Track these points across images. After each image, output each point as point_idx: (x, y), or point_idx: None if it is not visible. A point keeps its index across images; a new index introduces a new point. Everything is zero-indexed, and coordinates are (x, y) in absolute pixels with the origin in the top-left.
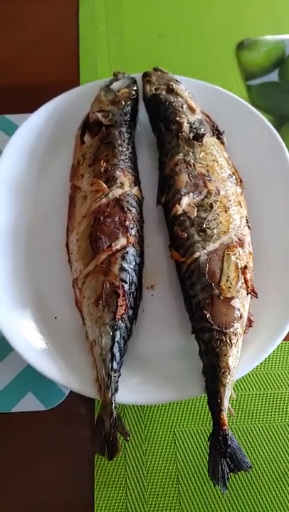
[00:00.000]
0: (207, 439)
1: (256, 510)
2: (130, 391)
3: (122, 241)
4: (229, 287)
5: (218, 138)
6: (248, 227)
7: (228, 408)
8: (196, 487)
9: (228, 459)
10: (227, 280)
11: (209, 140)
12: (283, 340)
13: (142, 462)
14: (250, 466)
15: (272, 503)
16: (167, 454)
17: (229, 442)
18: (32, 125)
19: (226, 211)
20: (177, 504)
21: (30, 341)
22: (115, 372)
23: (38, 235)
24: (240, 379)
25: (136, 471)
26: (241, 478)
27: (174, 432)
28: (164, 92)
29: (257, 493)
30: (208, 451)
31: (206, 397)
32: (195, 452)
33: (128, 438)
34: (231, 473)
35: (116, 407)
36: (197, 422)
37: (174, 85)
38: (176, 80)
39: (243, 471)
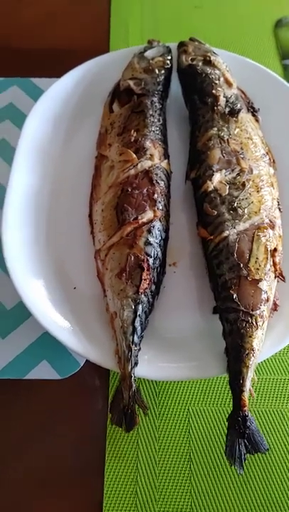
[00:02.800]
0: (226, 419)
1: (267, 493)
2: (147, 366)
3: (148, 214)
4: (258, 269)
5: (253, 115)
6: (279, 209)
7: (249, 390)
8: (208, 466)
9: (245, 440)
10: (256, 262)
11: (244, 116)
12: None
13: (154, 437)
14: (268, 449)
15: (284, 487)
16: (180, 432)
17: (248, 424)
18: (59, 90)
19: (258, 191)
20: (188, 481)
21: (48, 309)
22: (136, 346)
23: (60, 203)
24: (261, 363)
25: (148, 445)
26: (254, 460)
27: (188, 409)
28: (200, 63)
29: (270, 476)
30: (221, 431)
31: (226, 378)
32: (208, 432)
33: (146, 411)
34: (247, 455)
35: (135, 380)
36: (212, 401)
37: (211, 57)
38: (214, 52)
39: (259, 453)
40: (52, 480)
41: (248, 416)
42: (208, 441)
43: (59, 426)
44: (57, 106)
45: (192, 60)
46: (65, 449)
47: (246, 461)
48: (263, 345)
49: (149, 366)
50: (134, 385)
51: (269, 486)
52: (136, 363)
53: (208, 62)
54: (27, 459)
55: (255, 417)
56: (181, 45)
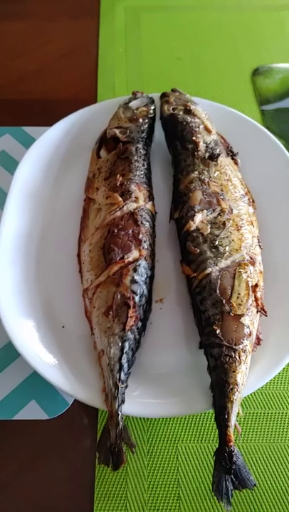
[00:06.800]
0: (212, 455)
1: None
2: (135, 403)
3: (134, 253)
4: (240, 304)
5: (233, 159)
6: (260, 246)
7: (235, 425)
8: (197, 504)
9: (232, 476)
10: (238, 297)
11: (224, 160)
12: None
13: (143, 476)
14: (255, 484)
15: None
16: (169, 469)
17: (234, 459)
18: (49, 138)
19: (238, 230)
20: None
21: (37, 349)
22: (122, 383)
23: (49, 244)
24: (246, 397)
25: (137, 484)
26: (243, 496)
27: (177, 447)
28: (181, 112)
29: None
30: (211, 468)
31: (212, 413)
32: (197, 469)
33: (134, 450)
34: (235, 491)
35: (122, 418)
36: (201, 438)
37: (191, 106)
38: (193, 101)
39: (246, 489)
40: None
41: (234, 451)
42: (197, 479)
43: (47, 467)
44: (47, 153)
45: (174, 109)
46: (54, 489)
47: (235, 497)
48: (247, 379)
49: (136, 403)
50: (121, 423)
51: None
52: (123, 401)
53: (188, 111)
54: (14, 500)
55: (242, 452)
56: (164, 96)
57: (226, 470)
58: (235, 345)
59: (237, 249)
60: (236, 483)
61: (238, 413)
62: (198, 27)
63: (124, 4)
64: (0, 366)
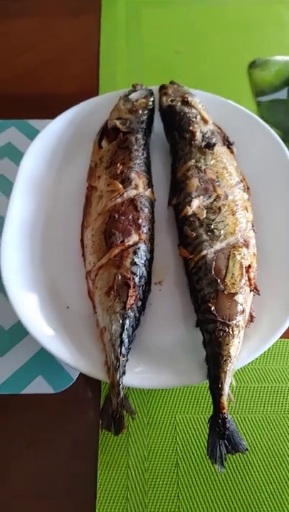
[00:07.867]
0: (207, 422)
1: (250, 495)
2: (136, 378)
3: (134, 237)
4: (233, 283)
5: (228, 148)
6: (253, 230)
7: (228, 394)
8: (194, 470)
9: (225, 441)
10: (232, 277)
11: (220, 149)
12: (281, 337)
13: (143, 445)
14: (247, 449)
15: (266, 489)
16: (168, 439)
17: (227, 425)
18: (53, 130)
19: (233, 214)
20: (175, 485)
21: (44, 327)
22: (123, 357)
23: (54, 230)
24: (240, 372)
25: (138, 453)
26: (237, 465)
27: (175, 418)
28: (179, 104)
29: (252, 480)
30: (205, 437)
31: (207, 387)
32: (194, 438)
33: (134, 416)
34: (229, 456)
35: (123, 387)
36: (197, 410)
37: (188, 98)
38: (191, 93)
39: (239, 453)
40: (47, 490)
41: (227, 418)
42: (193, 446)
43: (53, 437)
44: (51, 144)
45: (172, 101)
46: (60, 458)
47: (229, 466)
48: (239, 352)
49: (137, 376)
50: (122, 392)
51: (252, 488)
52: (124, 373)
53: (185, 103)
54: (23, 469)
55: (235, 423)
56: (162, 88)
57: (220, 435)
58: (228, 320)
59: (232, 233)
60: (229, 448)
61: (230, 383)
62: (197, 21)
63: None
64: (9, 344)
